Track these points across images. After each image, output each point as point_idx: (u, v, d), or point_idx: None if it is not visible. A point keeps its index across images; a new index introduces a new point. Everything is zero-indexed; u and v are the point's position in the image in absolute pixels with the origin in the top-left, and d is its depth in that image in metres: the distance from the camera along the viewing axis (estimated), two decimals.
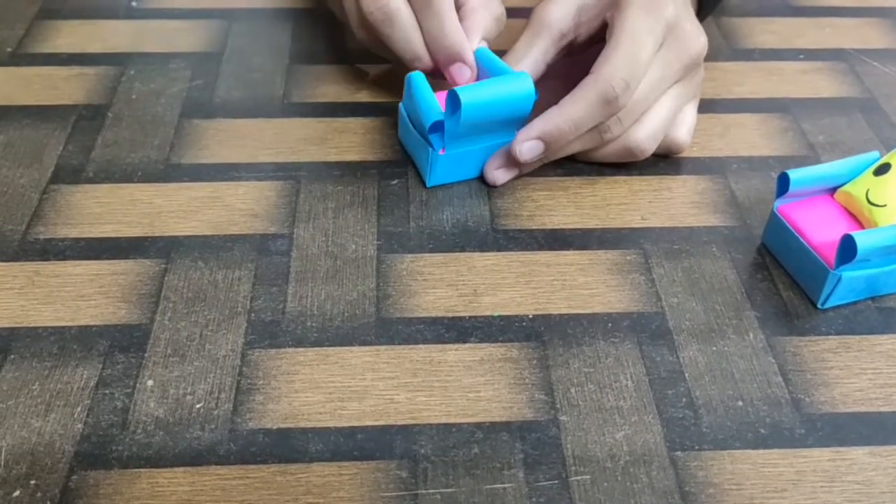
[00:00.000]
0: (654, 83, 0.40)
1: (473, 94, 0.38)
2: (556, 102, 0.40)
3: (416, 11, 0.42)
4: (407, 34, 0.42)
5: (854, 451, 0.32)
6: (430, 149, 0.40)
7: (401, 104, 0.43)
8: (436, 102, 0.40)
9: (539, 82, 0.41)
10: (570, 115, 0.39)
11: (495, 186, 0.42)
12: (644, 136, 0.41)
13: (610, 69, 0.39)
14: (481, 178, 0.42)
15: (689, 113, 0.44)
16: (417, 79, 0.41)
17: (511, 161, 0.41)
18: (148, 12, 0.53)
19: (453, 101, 0.38)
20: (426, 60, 0.42)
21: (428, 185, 0.42)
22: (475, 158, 0.42)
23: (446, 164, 0.41)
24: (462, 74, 0.42)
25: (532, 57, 0.42)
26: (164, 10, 0.53)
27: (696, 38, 0.41)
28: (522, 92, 0.39)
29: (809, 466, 0.32)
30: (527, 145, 0.40)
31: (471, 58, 0.42)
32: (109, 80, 0.48)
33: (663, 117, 0.42)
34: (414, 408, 0.33)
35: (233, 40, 0.51)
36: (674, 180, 0.43)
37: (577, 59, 0.43)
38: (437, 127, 0.40)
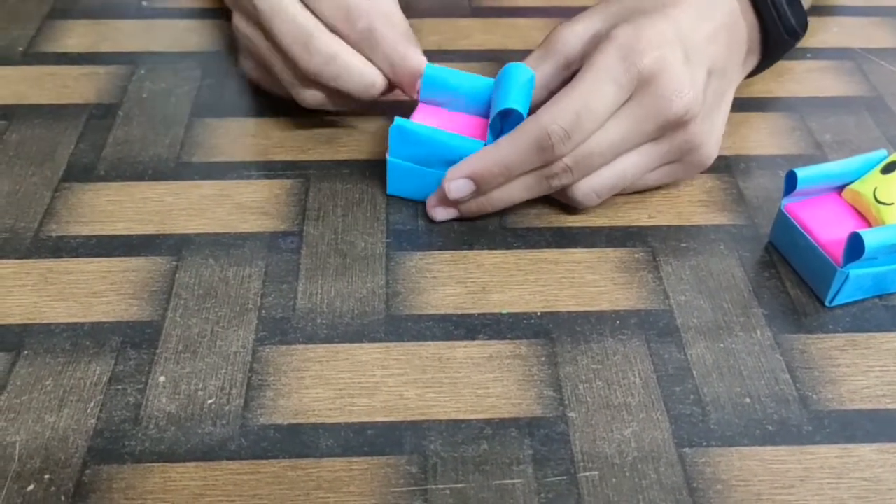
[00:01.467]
0: (616, 139, 0.37)
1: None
2: None
3: (357, 44, 0.40)
4: (354, 68, 0.40)
5: (861, 448, 0.32)
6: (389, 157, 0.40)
7: (389, 157, 0.40)
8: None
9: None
10: (502, 156, 0.37)
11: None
12: (587, 190, 0.39)
13: (552, 115, 0.36)
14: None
15: (666, 176, 0.40)
16: (408, 125, 0.39)
17: (448, 199, 0.39)
18: (158, 12, 0.54)
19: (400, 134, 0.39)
20: (380, 84, 0.40)
21: (387, 192, 0.41)
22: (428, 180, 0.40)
23: (400, 173, 0.40)
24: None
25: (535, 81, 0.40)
26: (174, 9, 0.54)
27: (676, 96, 0.37)
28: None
29: (817, 463, 0.32)
30: (455, 184, 0.38)
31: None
32: (120, 79, 0.48)
33: (619, 175, 0.39)
34: (423, 404, 0.33)
35: None
36: None
37: None
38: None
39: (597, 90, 0.36)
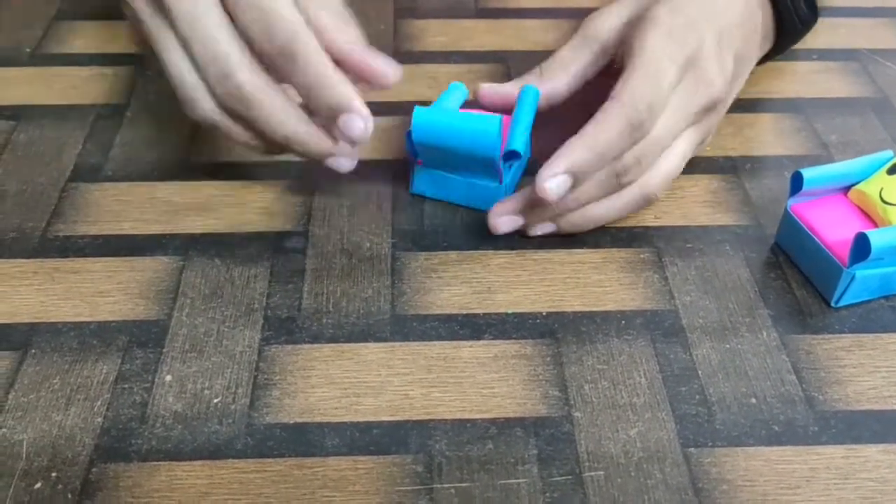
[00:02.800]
0: (673, 119, 0.37)
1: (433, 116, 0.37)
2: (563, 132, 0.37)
3: (280, 68, 0.35)
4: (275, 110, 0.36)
5: (868, 449, 0.32)
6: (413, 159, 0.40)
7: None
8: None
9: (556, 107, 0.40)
10: (596, 143, 0.35)
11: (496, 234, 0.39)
12: (661, 181, 0.38)
13: (633, 92, 0.36)
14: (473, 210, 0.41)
15: (670, 159, 0.39)
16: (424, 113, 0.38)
17: (519, 209, 0.38)
18: None
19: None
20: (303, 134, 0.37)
21: (410, 191, 0.41)
22: (456, 185, 0.40)
23: (425, 176, 0.40)
24: (354, 125, 0.35)
25: (572, 70, 0.40)
26: None
27: (716, 78, 0.38)
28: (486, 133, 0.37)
29: (823, 464, 0.32)
30: (554, 182, 0.35)
31: (361, 106, 0.35)
32: (127, 80, 0.48)
33: (677, 164, 0.39)
34: (429, 403, 0.33)
35: None
36: (687, 179, 0.43)
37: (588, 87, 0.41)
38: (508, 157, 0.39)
39: (662, 67, 0.36)
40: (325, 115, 0.36)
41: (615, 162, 0.37)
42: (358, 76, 0.37)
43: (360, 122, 0.35)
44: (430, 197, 0.41)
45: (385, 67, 0.37)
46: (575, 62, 0.41)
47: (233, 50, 0.35)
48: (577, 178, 0.36)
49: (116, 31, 0.52)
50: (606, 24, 0.40)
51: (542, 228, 0.39)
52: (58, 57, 0.50)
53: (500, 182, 0.39)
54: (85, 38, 0.51)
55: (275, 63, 0.36)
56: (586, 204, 0.38)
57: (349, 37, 0.37)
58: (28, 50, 0.50)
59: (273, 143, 0.38)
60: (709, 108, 0.39)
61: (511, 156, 0.39)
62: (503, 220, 0.38)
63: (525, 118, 0.40)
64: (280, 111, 0.36)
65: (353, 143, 0.36)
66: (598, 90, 0.38)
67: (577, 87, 0.41)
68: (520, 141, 0.39)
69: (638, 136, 0.36)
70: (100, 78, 0.48)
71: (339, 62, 0.36)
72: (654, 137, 0.37)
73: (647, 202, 0.39)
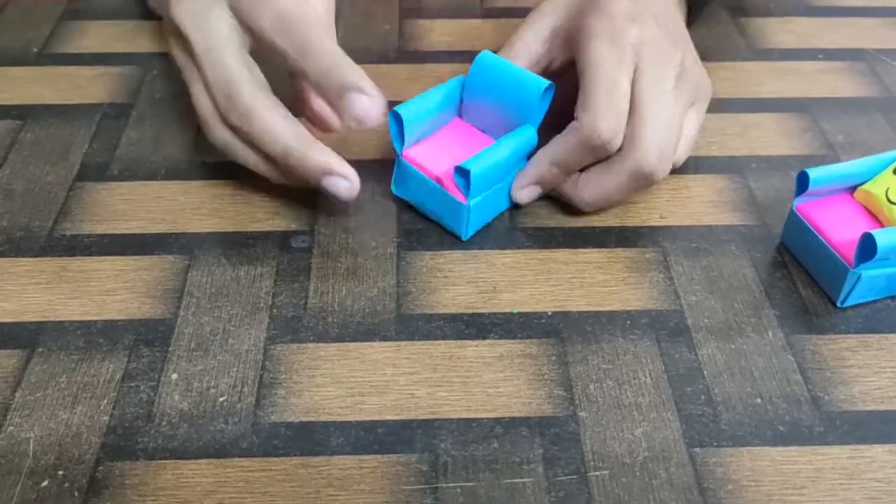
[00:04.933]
0: (667, 112, 0.38)
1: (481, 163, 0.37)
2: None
3: (294, 62, 0.37)
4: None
5: (873, 449, 0.32)
6: (462, 203, 0.38)
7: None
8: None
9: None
10: (558, 160, 0.39)
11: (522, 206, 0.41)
12: (652, 156, 0.38)
13: (591, 119, 0.37)
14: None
15: (690, 122, 0.41)
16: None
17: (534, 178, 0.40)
18: None
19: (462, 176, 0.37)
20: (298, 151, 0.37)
21: (464, 238, 0.40)
22: (501, 195, 0.40)
23: (478, 212, 0.39)
24: (338, 186, 0.37)
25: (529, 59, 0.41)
26: None
27: (669, 49, 0.39)
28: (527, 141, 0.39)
29: (828, 464, 0.32)
30: (525, 192, 0.40)
31: (368, 85, 0.37)
32: (133, 79, 0.48)
33: (681, 144, 0.40)
34: (434, 403, 0.33)
35: None
36: (692, 179, 0.43)
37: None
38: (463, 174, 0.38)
39: (610, 77, 0.37)
40: (334, 96, 0.37)
41: (640, 165, 0.38)
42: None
43: (366, 99, 0.36)
44: (408, 201, 0.41)
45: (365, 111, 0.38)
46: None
47: (241, 74, 0.38)
48: (544, 187, 0.40)
49: (123, 31, 0.52)
50: (532, 39, 0.42)
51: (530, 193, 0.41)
52: (64, 56, 0.50)
53: (465, 201, 0.38)
54: (91, 37, 0.52)
55: (288, 55, 0.37)
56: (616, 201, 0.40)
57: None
58: (35, 49, 0.51)
59: (277, 163, 0.38)
60: (679, 75, 0.40)
61: (463, 173, 0.37)
62: (525, 192, 0.40)
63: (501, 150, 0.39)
64: (280, 125, 0.37)
65: (358, 121, 0.37)
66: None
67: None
68: (480, 164, 0.37)
69: (599, 154, 0.38)
70: (106, 77, 0.49)
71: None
72: (664, 124, 0.38)
73: (646, 180, 0.39)
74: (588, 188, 0.39)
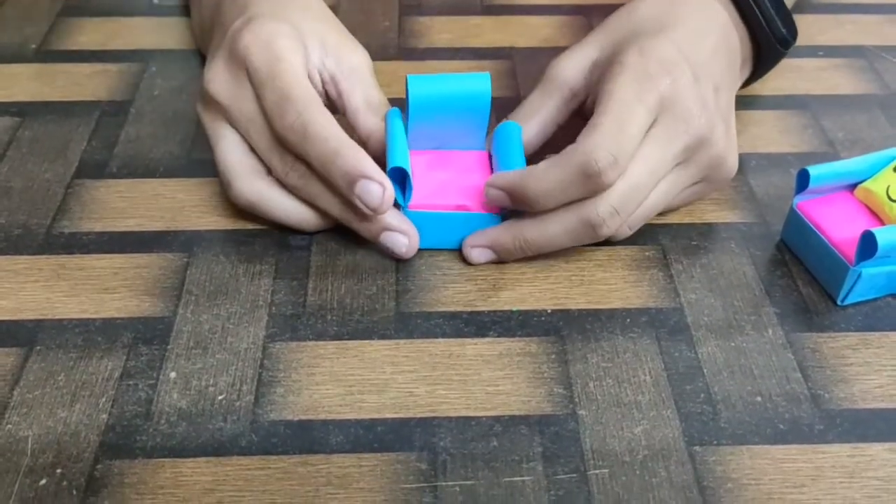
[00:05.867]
0: (652, 166, 0.36)
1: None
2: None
3: (296, 147, 0.36)
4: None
5: (874, 447, 0.32)
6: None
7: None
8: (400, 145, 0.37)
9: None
10: (543, 184, 0.35)
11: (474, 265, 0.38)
12: (633, 221, 0.37)
13: (595, 140, 0.34)
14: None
15: (672, 185, 0.38)
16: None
17: (488, 241, 0.37)
18: (169, 9, 0.54)
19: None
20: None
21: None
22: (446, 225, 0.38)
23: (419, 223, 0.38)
24: (371, 190, 0.35)
25: (541, 116, 0.39)
26: (184, 7, 0.54)
27: (695, 115, 0.36)
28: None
29: (829, 462, 0.32)
30: (493, 193, 0.36)
31: (376, 171, 0.35)
32: (132, 76, 0.48)
33: (653, 206, 0.37)
34: (433, 401, 0.33)
35: None
36: None
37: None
38: (398, 175, 0.37)
39: (628, 115, 0.35)
40: (343, 188, 0.35)
41: (589, 211, 0.35)
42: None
43: (377, 187, 0.35)
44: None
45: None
46: (543, 109, 0.39)
47: (302, 80, 0.37)
48: (516, 203, 0.36)
49: (121, 28, 0.52)
50: (572, 68, 0.39)
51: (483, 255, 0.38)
52: (63, 54, 0.50)
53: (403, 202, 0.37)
54: (90, 34, 0.51)
55: (287, 139, 0.36)
56: (559, 247, 0.37)
57: (371, 123, 0.39)
58: (33, 46, 0.50)
59: (325, 200, 0.37)
60: (693, 147, 0.37)
61: (398, 174, 0.37)
62: (476, 251, 0.38)
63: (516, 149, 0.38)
64: (335, 124, 0.36)
65: (373, 212, 0.35)
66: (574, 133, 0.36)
67: (548, 133, 0.40)
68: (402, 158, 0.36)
69: (591, 186, 0.34)
70: (104, 74, 0.48)
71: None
72: (633, 184, 0.35)
73: (611, 239, 0.38)
74: (531, 225, 0.36)
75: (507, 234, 0.37)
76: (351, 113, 0.39)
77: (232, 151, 0.38)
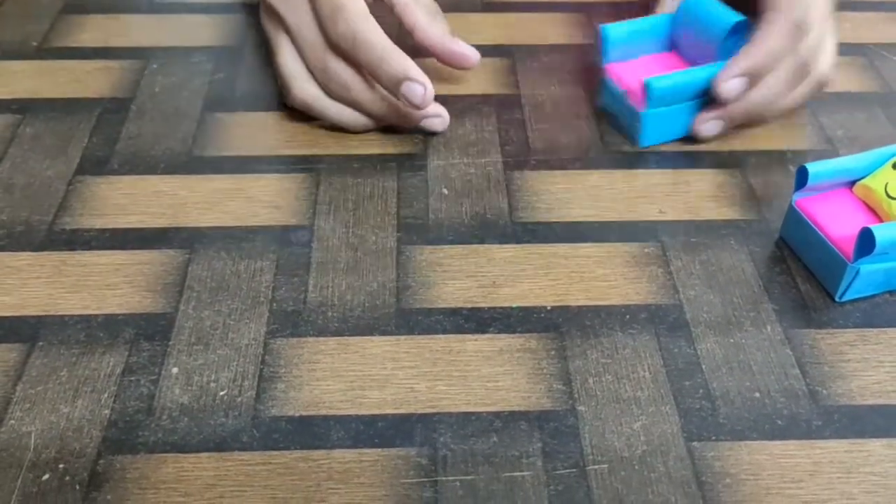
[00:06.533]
0: (822, 6, 0.43)
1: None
2: None
3: (348, 53, 0.42)
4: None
5: (871, 443, 0.32)
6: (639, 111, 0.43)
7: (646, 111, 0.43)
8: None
9: None
10: (768, 47, 0.41)
11: (703, 140, 0.44)
12: (830, 63, 0.44)
13: (789, 3, 0.41)
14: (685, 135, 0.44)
15: (829, 42, 0.45)
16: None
17: (719, 112, 0.43)
18: (170, 7, 0.54)
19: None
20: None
21: (641, 146, 0.44)
22: (683, 115, 0.44)
23: (655, 123, 0.44)
24: (415, 91, 0.41)
25: None
26: (185, 4, 0.54)
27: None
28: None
29: (826, 458, 0.32)
30: (729, 84, 0.42)
31: (419, 74, 0.41)
32: (133, 73, 0.48)
33: (834, 44, 0.44)
34: (434, 397, 0.33)
35: (254, 34, 0.51)
36: (692, 174, 0.43)
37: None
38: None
39: None
40: (390, 88, 0.41)
41: (794, 58, 0.42)
42: (447, 62, 0.46)
43: (420, 87, 0.41)
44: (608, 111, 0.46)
45: (467, 52, 0.45)
46: None
47: (354, 2, 0.42)
48: (753, 78, 0.42)
49: (122, 25, 0.52)
50: None
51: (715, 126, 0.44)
52: (64, 50, 0.50)
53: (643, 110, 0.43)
54: (91, 31, 0.52)
55: (339, 45, 0.42)
56: (775, 99, 0.43)
57: (437, 30, 0.45)
58: (34, 43, 0.51)
59: (362, 102, 0.42)
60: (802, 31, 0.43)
61: (645, 86, 0.42)
62: (708, 125, 0.43)
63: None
64: (381, 32, 0.41)
65: (416, 108, 0.41)
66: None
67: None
68: (662, 81, 0.42)
69: (801, 33, 0.41)
70: (106, 71, 0.49)
71: (431, 52, 0.45)
72: (819, 28, 0.42)
73: (822, 85, 0.45)
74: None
75: (735, 105, 0.43)
76: (399, 7, 0.45)
77: (292, 57, 0.43)
